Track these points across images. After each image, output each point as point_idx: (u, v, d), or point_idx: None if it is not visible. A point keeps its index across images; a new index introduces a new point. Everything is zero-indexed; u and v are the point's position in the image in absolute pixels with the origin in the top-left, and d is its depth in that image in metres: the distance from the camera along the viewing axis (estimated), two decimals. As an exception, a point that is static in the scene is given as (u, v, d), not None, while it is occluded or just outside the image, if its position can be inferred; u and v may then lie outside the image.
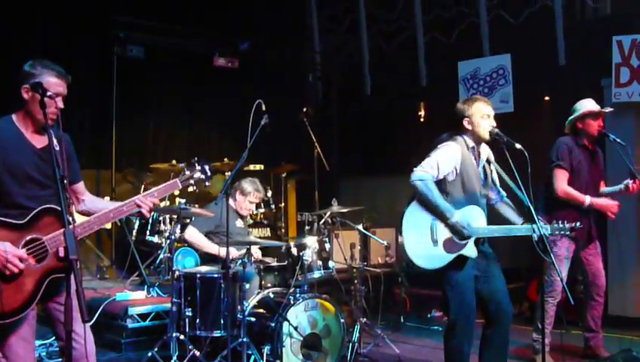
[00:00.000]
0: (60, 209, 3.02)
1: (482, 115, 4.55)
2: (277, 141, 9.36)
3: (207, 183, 3.84)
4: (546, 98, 8.79)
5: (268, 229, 8.28)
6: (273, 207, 8.61)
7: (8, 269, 3.11)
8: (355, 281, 6.43)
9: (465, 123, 4.58)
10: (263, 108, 5.08)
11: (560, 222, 4.50)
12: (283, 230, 8.95)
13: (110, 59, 8.53)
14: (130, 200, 3.59)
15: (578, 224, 4.55)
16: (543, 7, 8.21)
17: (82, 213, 3.74)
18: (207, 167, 3.79)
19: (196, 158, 3.82)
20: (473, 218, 4.50)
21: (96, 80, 8.36)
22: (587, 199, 5.52)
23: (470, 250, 4.48)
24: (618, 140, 5.63)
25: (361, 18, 10.18)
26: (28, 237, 3.23)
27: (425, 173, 4.45)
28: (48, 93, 3.12)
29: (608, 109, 5.69)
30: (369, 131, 10.40)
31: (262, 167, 9.31)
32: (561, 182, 5.57)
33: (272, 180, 9.36)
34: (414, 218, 4.52)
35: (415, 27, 9.46)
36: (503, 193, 4.85)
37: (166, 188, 3.70)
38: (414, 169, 4.51)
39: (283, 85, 10.08)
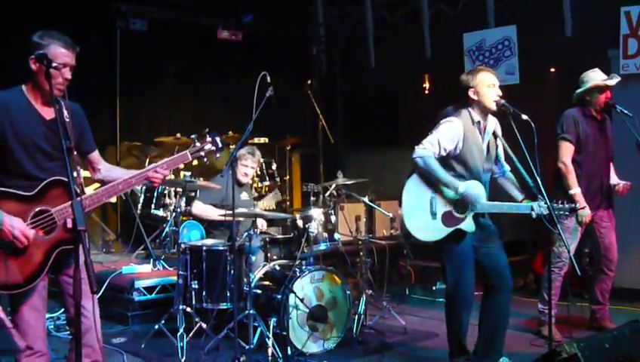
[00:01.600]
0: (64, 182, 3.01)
1: (488, 85, 4.52)
2: (281, 114, 9.27)
3: (217, 155, 3.80)
4: (552, 70, 8.73)
5: (273, 202, 8.27)
6: (278, 179, 8.60)
7: (15, 244, 3.13)
8: (361, 254, 6.43)
9: (470, 93, 4.55)
10: (268, 80, 5.03)
11: (560, 201, 4.49)
12: (287, 202, 8.95)
13: (113, 33, 8.49)
14: (140, 172, 3.58)
15: (578, 205, 4.55)
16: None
17: (99, 181, 3.76)
18: (218, 139, 3.76)
19: (207, 130, 3.77)
20: (475, 192, 4.50)
21: (99, 54, 8.29)
22: (574, 190, 5.48)
23: (468, 224, 4.49)
24: (625, 111, 5.59)
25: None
26: (37, 209, 3.24)
27: (425, 150, 4.46)
28: (54, 64, 3.11)
29: (616, 80, 5.60)
30: (373, 104, 10.34)
31: (266, 140, 9.31)
32: (565, 154, 5.57)
33: (276, 153, 9.34)
34: (414, 191, 4.53)
35: (420, -1, 9.35)
36: (507, 168, 4.84)
37: (176, 160, 3.67)
38: (415, 146, 4.50)
39: (287, 58, 9.99)
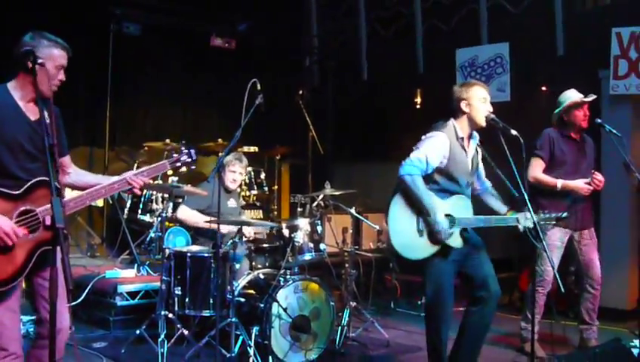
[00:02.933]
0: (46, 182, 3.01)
1: (479, 99, 4.52)
2: (272, 123, 9.31)
3: (192, 167, 4.10)
4: (543, 88, 8.77)
5: (260, 211, 8.24)
6: (266, 189, 8.58)
7: (3, 241, 3.10)
8: (346, 265, 6.40)
9: (462, 105, 4.54)
10: (258, 87, 5.01)
11: (546, 211, 4.49)
12: (275, 212, 8.92)
13: (106, 36, 8.47)
14: (121, 177, 3.63)
15: (565, 214, 4.55)
16: (542, -5, 8.16)
17: (68, 185, 3.77)
18: (193, 152, 4.01)
19: (184, 142, 3.96)
20: (460, 207, 4.49)
21: (91, 57, 8.27)
22: (559, 182, 5.52)
23: (455, 241, 4.46)
24: (614, 131, 5.59)
25: (359, 3, 10.09)
26: (22, 208, 3.21)
27: (413, 167, 4.40)
28: (39, 61, 3.07)
29: (591, 97, 5.63)
30: (365, 116, 10.36)
31: (256, 149, 9.27)
32: (533, 169, 5.63)
33: (266, 162, 9.32)
34: (400, 208, 4.47)
35: (414, 13, 9.39)
36: (488, 184, 4.85)
37: (156, 169, 3.84)
38: (402, 162, 4.47)
39: (279, 68, 10.01)
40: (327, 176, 9.72)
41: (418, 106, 10.19)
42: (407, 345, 6.07)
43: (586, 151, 5.76)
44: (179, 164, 3.98)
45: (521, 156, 4.29)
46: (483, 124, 4.53)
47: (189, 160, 4.00)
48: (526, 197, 4.29)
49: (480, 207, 4.81)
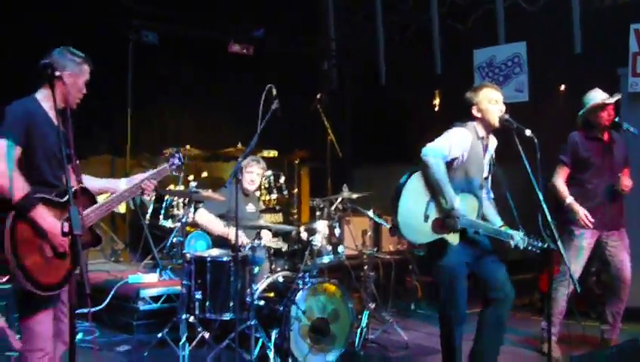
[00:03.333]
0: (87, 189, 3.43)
1: (490, 101, 4.53)
2: (291, 128, 9.38)
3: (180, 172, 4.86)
4: (562, 87, 8.74)
5: (280, 215, 8.31)
6: (286, 193, 8.64)
7: (62, 247, 3.27)
8: (365, 267, 6.43)
9: (474, 110, 4.57)
10: (274, 92, 5.08)
11: (535, 238, 4.54)
12: (295, 216, 8.98)
13: (125, 46, 8.60)
14: (130, 182, 3.96)
15: (552, 246, 4.55)
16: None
17: None
18: (179, 155, 4.50)
19: (173, 149, 4.61)
20: (468, 206, 4.50)
21: (111, 66, 8.39)
22: (568, 199, 5.52)
23: (452, 237, 4.47)
24: (631, 129, 5.61)
25: (376, 7, 10.13)
26: (66, 215, 3.27)
27: (439, 150, 4.42)
28: (57, 74, 3.17)
29: (615, 97, 5.60)
30: (383, 119, 10.39)
31: (276, 153, 9.35)
32: (556, 175, 5.68)
33: (285, 167, 9.38)
34: (414, 190, 4.45)
35: (430, 15, 9.41)
36: (492, 194, 4.86)
37: (160, 173, 4.18)
38: (427, 145, 4.48)
39: (297, 72, 10.08)
40: (347, 179, 9.74)
41: (437, 108, 10.20)
42: (426, 347, 6.07)
43: (615, 150, 5.70)
44: (175, 167, 4.43)
45: (535, 156, 4.31)
46: (497, 125, 4.54)
47: (179, 163, 4.46)
48: (516, 216, 4.32)
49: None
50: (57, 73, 3.18)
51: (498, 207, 4.85)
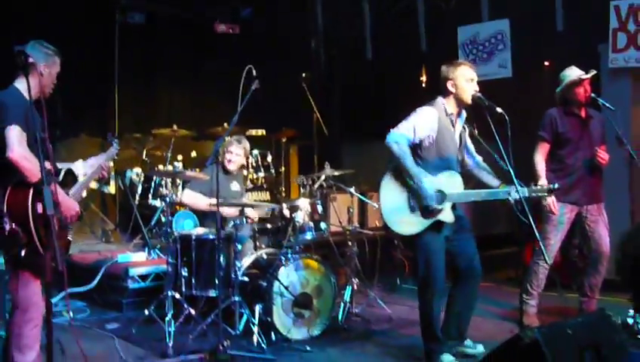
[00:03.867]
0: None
1: (466, 79, 4.66)
2: (278, 107, 9.49)
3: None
4: (546, 63, 8.83)
5: (267, 193, 8.42)
6: (273, 171, 8.74)
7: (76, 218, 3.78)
8: (349, 243, 6.56)
9: (449, 85, 4.70)
10: (254, 73, 5.17)
11: (538, 184, 4.64)
12: (284, 194, 9.09)
13: (111, 26, 8.65)
14: (94, 166, 4.48)
15: (556, 185, 4.66)
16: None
17: None
18: (115, 141, 4.96)
19: (110, 134, 5.20)
20: (450, 183, 4.64)
21: (97, 47, 8.47)
22: (541, 180, 5.61)
23: (447, 215, 4.61)
24: (607, 105, 5.70)
25: (363, -17, 10.17)
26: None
27: (401, 135, 4.56)
28: (30, 60, 3.28)
29: (591, 73, 5.69)
30: (372, 96, 10.46)
31: (263, 132, 9.42)
32: (537, 152, 5.78)
33: (273, 145, 9.47)
34: (391, 186, 4.65)
35: (415, -8, 9.46)
36: (478, 158, 4.98)
37: (109, 154, 4.80)
38: (391, 130, 4.62)
39: (285, 51, 10.14)
40: (334, 157, 9.89)
41: (424, 85, 10.28)
42: (409, 320, 6.19)
43: (593, 126, 5.79)
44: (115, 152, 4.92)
45: (506, 133, 4.44)
46: (469, 102, 4.67)
47: (116, 148, 4.94)
48: (512, 172, 4.43)
49: (473, 185, 4.96)
50: (31, 60, 3.28)
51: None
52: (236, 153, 6.46)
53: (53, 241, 2.57)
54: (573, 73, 5.72)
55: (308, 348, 5.26)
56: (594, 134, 5.78)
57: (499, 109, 4.49)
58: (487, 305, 6.46)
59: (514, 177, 4.45)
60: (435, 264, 4.69)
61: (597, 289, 5.85)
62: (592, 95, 5.71)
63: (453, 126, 4.73)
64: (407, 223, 4.64)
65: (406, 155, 4.52)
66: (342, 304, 6.03)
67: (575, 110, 5.74)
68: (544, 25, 8.09)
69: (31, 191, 3.54)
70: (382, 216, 4.69)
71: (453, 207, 4.68)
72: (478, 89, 4.69)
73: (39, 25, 7.57)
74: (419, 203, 4.59)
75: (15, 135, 3.65)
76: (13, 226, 3.47)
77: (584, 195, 5.71)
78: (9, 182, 3.63)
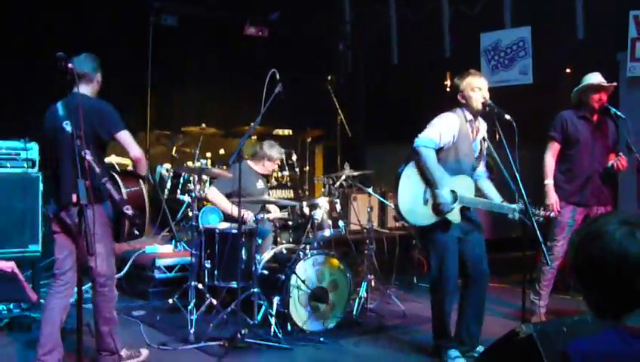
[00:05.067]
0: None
1: (473, 88, 4.89)
2: (305, 107, 9.77)
3: None
4: (568, 70, 8.96)
5: (291, 191, 8.68)
6: (297, 170, 9.01)
7: None
8: (366, 241, 6.80)
9: (459, 97, 4.94)
10: (277, 76, 5.43)
11: (537, 207, 4.87)
12: (307, 192, 9.34)
13: (146, 28, 9.01)
14: None
15: (552, 214, 4.86)
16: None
17: None
18: None
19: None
20: (463, 186, 4.87)
21: (132, 48, 8.82)
22: (547, 180, 5.81)
23: (455, 215, 4.85)
24: (618, 113, 5.85)
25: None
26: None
27: (429, 140, 4.82)
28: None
29: (610, 84, 5.84)
30: (396, 99, 10.67)
31: (290, 132, 9.70)
32: (547, 151, 5.96)
33: (299, 145, 9.74)
34: (412, 176, 4.89)
35: (440, -1, 9.68)
36: (488, 172, 5.21)
37: None
38: (418, 135, 4.88)
39: (312, 54, 10.40)
40: (358, 158, 10.15)
41: (448, 89, 10.45)
42: (422, 316, 6.37)
43: (603, 132, 5.94)
44: None
45: (514, 140, 4.66)
46: (480, 108, 4.89)
47: None
48: (520, 187, 4.64)
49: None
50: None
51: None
52: (277, 163, 6.76)
53: (88, 228, 2.87)
54: (594, 78, 5.85)
55: (322, 339, 5.52)
56: (605, 139, 5.93)
57: (507, 116, 4.70)
58: (500, 306, 6.64)
59: (523, 194, 4.65)
60: (447, 264, 4.92)
61: None
62: (606, 105, 5.85)
63: (472, 132, 4.95)
64: (418, 214, 4.88)
65: (432, 159, 4.78)
66: (357, 299, 6.28)
67: (587, 114, 5.89)
68: (565, 33, 8.25)
69: (141, 183, 4.52)
70: (396, 202, 4.90)
71: (464, 209, 4.91)
72: (487, 96, 4.90)
73: (77, 29, 7.98)
74: (432, 198, 4.84)
75: (130, 136, 4.50)
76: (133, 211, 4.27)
77: (592, 196, 5.86)
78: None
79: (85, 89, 4.48)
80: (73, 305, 4.28)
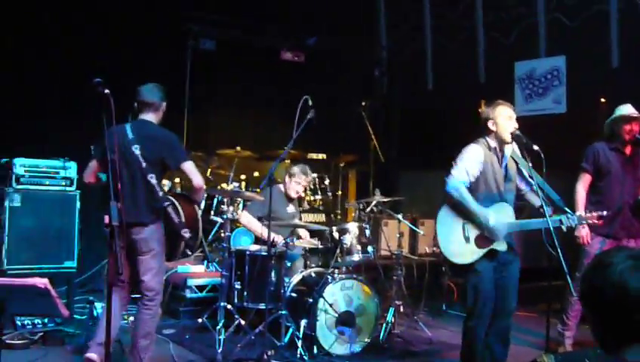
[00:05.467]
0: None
1: (505, 117, 4.91)
2: (339, 132, 9.88)
3: None
4: (602, 100, 8.92)
5: (323, 215, 8.77)
6: (330, 194, 9.09)
7: None
8: (396, 267, 6.84)
9: (489, 125, 4.95)
10: (310, 103, 5.55)
11: (586, 212, 4.85)
12: (339, 217, 9.41)
13: (184, 52, 9.24)
14: None
15: (605, 212, 4.84)
16: (599, 10, 8.34)
17: None
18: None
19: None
20: (502, 213, 4.86)
21: (171, 70, 9.03)
22: (578, 212, 5.76)
23: (501, 244, 4.85)
24: (648, 146, 5.83)
25: (425, 16, 10.50)
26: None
27: (458, 181, 4.84)
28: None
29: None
30: (430, 126, 10.72)
31: (324, 156, 9.81)
32: (579, 182, 5.95)
33: (332, 169, 9.84)
34: (447, 220, 4.92)
35: (476, 26, 9.73)
36: (533, 182, 5.18)
37: None
38: (446, 178, 4.91)
39: (347, 78, 10.53)
40: (392, 183, 10.20)
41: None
42: (449, 344, 6.42)
43: (635, 164, 5.91)
44: None
45: (542, 169, 4.68)
46: (509, 140, 4.92)
47: None
48: (561, 201, 4.66)
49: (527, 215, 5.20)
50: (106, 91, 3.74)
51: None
52: (303, 184, 6.85)
53: (117, 248, 2.98)
54: (625, 110, 5.86)
55: (347, 363, 5.57)
56: (637, 171, 5.90)
57: (535, 147, 4.72)
58: (526, 335, 6.60)
59: (563, 206, 4.67)
60: (483, 293, 4.91)
61: None
62: (637, 136, 5.83)
63: (498, 159, 4.97)
64: (464, 254, 4.88)
65: (468, 200, 4.78)
66: (384, 324, 6.31)
67: (619, 146, 5.88)
68: (600, 62, 8.24)
69: (196, 207, 4.93)
70: (439, 248, 4.95)
71: (507, 237, 4.92)
72: (517, 126, 4.93)
73: (115, 53, 8.22)
74: (473, 233, 4.85)
75: (194, 166, 4.88)
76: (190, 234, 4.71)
77: (622, 229, 5.83)
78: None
79: (151, 117, 4.88)
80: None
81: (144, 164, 4.67)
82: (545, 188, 4.84)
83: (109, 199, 3.05)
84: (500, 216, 4.85)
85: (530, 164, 4.92)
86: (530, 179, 5.17)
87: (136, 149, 4.67)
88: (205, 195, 8.46)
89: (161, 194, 4.70)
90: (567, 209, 4.79)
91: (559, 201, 4.83)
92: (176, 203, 4.82)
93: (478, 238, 4.86)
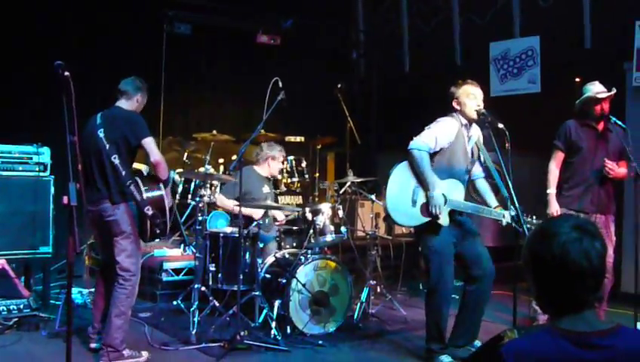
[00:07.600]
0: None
1: (468, 95, 4.98)
2: (317, 115, 9.90)
3: None
4: (577, 80, 8.98)
5: (300, 198, 8.80)
6: (307, 176, 9.11)
7: None
8: (371, 247, 6.89)
9: (454, 103, 5.03)
10: (280, 85, 5.57)
11: (529, 216, 4.93)
12: (317, 199, 9.45)
13: (160, 36, 9.20)
14: None
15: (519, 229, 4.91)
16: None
17: None
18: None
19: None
20: (453, 190, 4.96)
21: (146, 55, 9.00)
22: (550, 190, 5.86)
23: (444, 219, 4.93)
24: (619, 123, 5.88)
25: (402, -2, 10.53)
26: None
27: (424, 144, 4.91)
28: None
29: (609, 93, 5.87)
30: (407, 107, 10.75)
31: (302, 139, 9.83)
32: (552, 160, 6.01)
33: (310, 152, 9.86)
34: (401, 177, 4.99)
35: (451, 7, 9.76)
36: (483, 174, 5.29)
37: None
38: (414, 138, 4.98)
39: (324, 62, 10.53)
40: (370, 165, 10.24)
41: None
42: (424, 322, 6.47)
43: (609, 140, 5.95)
44: None
45: (505, 147, 4.74)
46: (474, 116, 4.99)
47: None
48: (513, 194, 4.70)
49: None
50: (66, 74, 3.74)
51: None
52: (281, 161, 6.93)
53: (74, 228, 3.01)
54: (594, 89, 5.89)
55: (320, 343, 5.62)
56: (610, 147, 5.94)
57: (500, 125, 4.78)
58: (501, 313, 6.68)
59: (515, 201, 4.71)
60: (444, 269, 5.03)
61: (603, 301, 6.03)
62: (608, 114, 5.87)
63: (466, 137, 5.05)
64: (406, 215, 4.98)
65: (425, 162, 4.87)
66: (358, 304, 6.37)
67: (591, 123, 5.92)
68: (573, 42, 8.29)
69: (161, 186, 4.99)
70: (385, 201, 4.99)
71: (455, 214, 4.99)
72: (481, 105, 4.99)
73: (91, 38, 8.19)
74: (421, 199, 4.92)
75: (154, 143, 4.92)
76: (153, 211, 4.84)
77: (592, 204, 5.89)
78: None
79: (125, 104, 5.07)
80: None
81: (107, 146, 4.82)
82: (497, 181, 4.93)
83: (68, 180, 3.07)
84: (450, 193, 4.93)
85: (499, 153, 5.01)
86: (482, 170, 5.28)
87: (101, 132, 4.86)
88: (182, 179, 8.52)
89: (124, 173, 4.80)
90: (514, 207, 4.80)
91: (506, 198, 4.88)
92: (139, 182, 4.92)
93: (423, 205, 4.95)
